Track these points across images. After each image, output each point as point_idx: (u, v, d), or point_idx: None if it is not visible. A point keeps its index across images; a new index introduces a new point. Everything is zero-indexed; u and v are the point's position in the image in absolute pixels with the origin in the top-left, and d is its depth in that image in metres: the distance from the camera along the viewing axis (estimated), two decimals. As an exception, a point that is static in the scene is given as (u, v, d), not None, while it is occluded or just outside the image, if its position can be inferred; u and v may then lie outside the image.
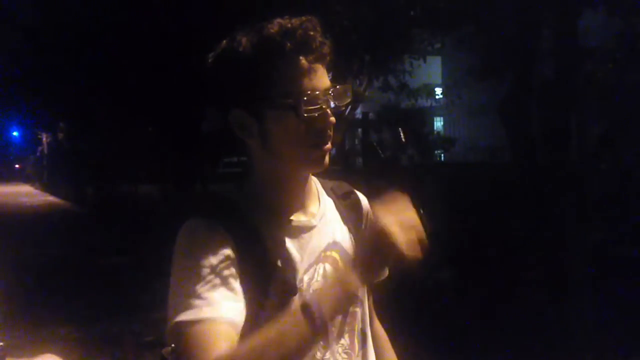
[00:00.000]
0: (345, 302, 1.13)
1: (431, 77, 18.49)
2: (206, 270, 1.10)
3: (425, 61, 9.19)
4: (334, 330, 1.25)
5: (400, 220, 1.07)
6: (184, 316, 1.06)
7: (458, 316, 5.32)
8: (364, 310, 1.35)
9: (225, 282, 1.10)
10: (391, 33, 7.06)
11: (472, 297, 5.80)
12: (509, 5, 5.94)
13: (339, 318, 1.26)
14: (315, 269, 1.23)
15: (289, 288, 1.17)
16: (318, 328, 1.04)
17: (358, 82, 8.52)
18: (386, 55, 7.80)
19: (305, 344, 1.07)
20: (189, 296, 1.08)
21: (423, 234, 1.09)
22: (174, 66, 8.30)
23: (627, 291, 5.19)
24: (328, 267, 1.26)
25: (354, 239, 1.35)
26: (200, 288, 1.08)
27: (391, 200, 1.12)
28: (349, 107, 9.15)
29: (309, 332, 1.04)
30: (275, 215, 1.23)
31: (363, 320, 1.34)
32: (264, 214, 1.23)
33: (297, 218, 1.26)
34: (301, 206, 1.29)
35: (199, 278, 1.09)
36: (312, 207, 1.30)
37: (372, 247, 1.09)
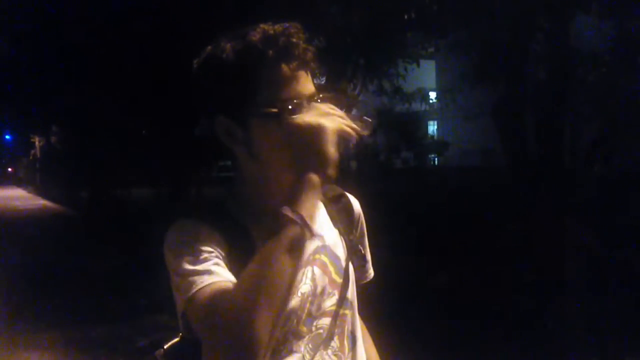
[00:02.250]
0: (311, 194, 1.11)
1: (425, 81, 18.54)
2: (200, 253, 1.12)
3: (418, 65, 9.20)
4: (321, 333, 1.25)
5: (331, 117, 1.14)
6: (190, 292, 1.08)
7: (449, 318, 5.32)
8: (353, 313, 1.36)
9: (218, 261, 1.12)
10: (385, 37, 7.08)
11: (464, 298, 5.81)
12: (502, 9, 5.96)
13: (330, 320, 1.26)
14: (304, 272, 1.23)
15: None
16: (300, 223, 1.06)
17: (352, 85, 8.53)
18: (380, 59, 7.82)
19: (295, 248, 1.07)
20: (188, 276, 1.10)
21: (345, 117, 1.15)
22: (168, 69, 8.29)
23: (620, 293, 5.22)
24: (317, 270, 1.26)
25: (345, 242, 1.36)
26: (196, 266, 1.10)
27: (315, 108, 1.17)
28: (342, 111, 9.16)
29: (296, 234, 1.06)
30: (264, 219, 1.23)
31: (353, 323, 1.35)
32: (253, 217, 1.23)
33: None
34: None
35: (193, 260, 1.11)
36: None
37: (307, 138, 1.12)
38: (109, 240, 11.90)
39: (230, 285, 1.08)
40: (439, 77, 21.59)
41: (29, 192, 36.97)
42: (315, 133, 1.11)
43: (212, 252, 1.13)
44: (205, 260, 1.12)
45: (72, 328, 6.04)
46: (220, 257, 1.14)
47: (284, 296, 1.06)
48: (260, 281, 1.02)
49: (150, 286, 6.39)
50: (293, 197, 1.10)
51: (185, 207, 1.25)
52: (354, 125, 1.15)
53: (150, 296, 6.37)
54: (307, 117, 1.13)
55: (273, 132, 1.16)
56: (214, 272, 1.10)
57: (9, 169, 62.02)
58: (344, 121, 1.14)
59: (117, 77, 10.27)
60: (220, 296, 1.06)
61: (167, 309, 5.26)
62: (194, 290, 1.08)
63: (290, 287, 1.07)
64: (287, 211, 1.07)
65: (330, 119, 1.13)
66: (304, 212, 1.07)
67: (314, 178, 1.11)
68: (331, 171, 1.13)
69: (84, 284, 8.09)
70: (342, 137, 1.13)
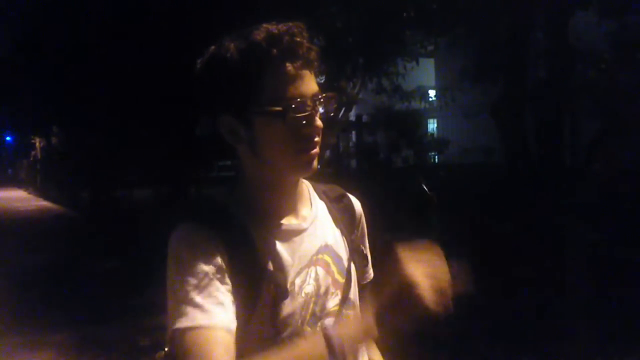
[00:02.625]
0: (362, 341, 1.15)
1: (425, 79, 18.57)
2: (199, 277, 1.10)
3: (417, 63, 9.19)
4: None
5: (429, 271, 1.07)
6: (179, 324, 1.06)
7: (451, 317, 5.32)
8: (356, 313, 1.34)
9: (217, 289, 1.10)
10: (384, 36, 7.07)
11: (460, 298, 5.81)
12: (501, 7, 5.96)
13: (333, 321, 1.26)
14: (307, 272, 1.23)
15: (281, 291, 1.17)
16: (335, 355, 1.05)
17: (352, 84, 8.53)
18: (380, 57, 7.81)
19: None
20: (183, 303, 1.08)
21: (451, 288, 1.08)
22: (169, 70, 8.29)
23: (621, 291, 5.22)
24: (320, 270, 1.25)
25: (347, 242, 1.36)
26: (194, 295, 1.08)
27: (421, 249, 1.11)
28: (343, 109, 9.19)
29: (324, 357, 1.05)
30: (266, 219, 1.23)
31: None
32: (255, 217, 1.22)
33: (288, 221, 1.26)
34: (292, 210, 1.29)
35: (192, 285, 1.09)
36: (304, 210, 1.31)
37: (396, 296, 1.08)
38: (109, 240, 11.91)
39: (220, 335, 1.06)
40: (438, 75, 21.60)
41: (30, 193, 36.91)
42: (407, 289, 1.06)
43: (214, 268, 1.11)
44: (205, 284, 1.10)
45: (72, 328, 6.05)
46: (223, 270, 1.12)
47: None
48: None
49: (150, 286, 6.40)
50: (348, 330, 1.11)
51: (187, 209, 1.24)
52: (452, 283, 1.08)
53: (151, 296, 6.37)
54: (405, 263, 1.08)
55: (277, 131, 1.16)
56: (209, 309, 1.08)
57: (10, 171, 61.98)
58: (444, 277, 1.08)
59: (117, 78, 10.28)
60: (203, 351, 1.04)
61: (167, 310, 5.22)
62: (180, 326, 1.06)
63: None
64: (336, 337, 1.06)
65: (430, 279, 1.07)
66: (345, 343, 1.07)
67: (375, 331, 1.10)
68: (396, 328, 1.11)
69: (84, 284, 8.09)
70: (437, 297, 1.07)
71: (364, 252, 1.45)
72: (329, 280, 1.27)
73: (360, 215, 1.44)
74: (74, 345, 5.60)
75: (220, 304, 1.09)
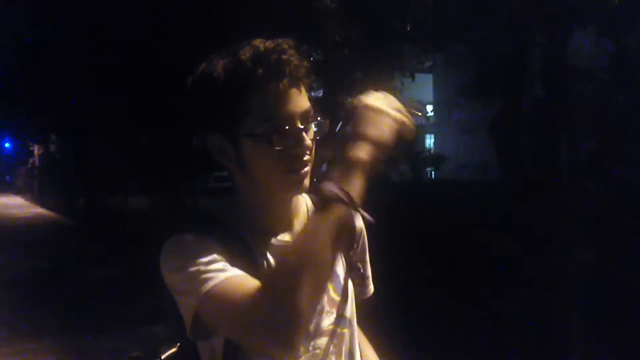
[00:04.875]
0: (361, 175, 1.09)
1: (422, 95, 18.62)
2: (203, 256, 1.10)
3: (413, 79, 9.21)
4: (318, 353, 1.24)
5: (384, 102, 1.16)
6: (205, 288, 1.06)
7: (444, 334, 5.31)
8: (352, 332, 1.34)
9: (224, 263, 1.11)
10: (382, 51, 7.10)
11: (459, 316, 5.80)
12: (499, 24, 5.98)
13: (327, 340, 1.26)
14: None
15: None
16: (348, 205, 1.04)
17: (350, 99, 8.55)
18: (377, 72, 7.84)
19: (342, 230, 1.05)
20: (198, 276, 1.08)
21: (403, 109, 1.16)
22: (166, 80, 8.29)
23: (615, 311, 5.22)
24: None
25: (345, 259, 1.35)
26: (208, 266, 1.08)
27: (369, 94, 1.19)
28: (340, 123, 9.18)
29: (340, 214, 1.04)
30: (261, 235, 1.23)
31: (351, 342, 1.33)
32: (250, 232, 1.22)
33: (283, 238, 1.25)
34: (287, 226, 1.28)
35: (199, 263, 1.09)
36: (299, 226, 1.29)
37: (366, 122, 1.13)
38: (105, 249, 11.89)
39: (246, 278, 1.06)
40: (436, 91, 21.63)
41: (27, 200, 36.82)
42: (377, 113, 1.13)
43: (217, 257, 1.11)
44: (215, 261, 1.10)
45: (67, 337, 6.04)
46: (224, 260, 1.12)
47: (327, 276, 1.05)
48: (306, 257, 1.01)
49: (146, 296, 6.38)
50: (342, 174, 1.08)
51: (184, 220, 1.23)
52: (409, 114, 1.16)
53: (146, 306, 6.36)
54: (369, 100, 1.16)
55: (265, 152, 1.14)
56: (226, 269, 1.08)
57: (7, 177, 61.79)
58: (402, 110, 1.16)
59: (115, 87, 10.28)
60: (249, 282, 1.04)
61: (164, 319, 5.24)
62: (210, 284, 1.06)
63: (332, 268, 1.06)
64: (334, 187, 1.05)
65: (390, 107, 1.15)
66: (352, 191, 1.05)
67: (364, 157, 1.09)
68: (383, 154, 1.12)
69: (79, 292, 8.07)
70: (400, 126, 1.15)
71: (362, 268, 1.45)
72: (324, 298, 1.25)
73: (361, 230, 1.43)
74: (69, 354, 5.59)
75: (230, 266, 1.10)
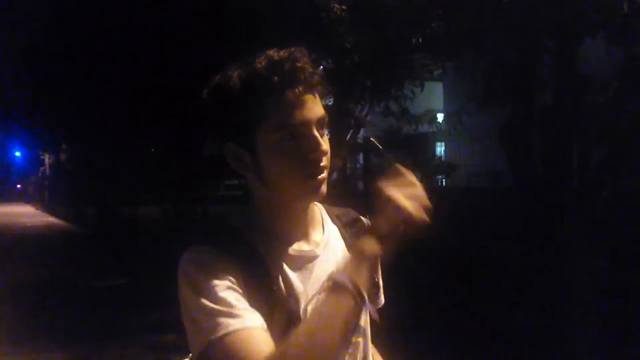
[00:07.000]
0: (369, 266, 1.11)
1: (433, 103, 18.57)
2: (219, 290, 1.10)
3: (422, 89, 9.20)
4: None
5: (405, 191, 1.12)
6: (214, 334, 1.06)
7: (453, 339, 5.29)
8: (366, 340, 1.34)
9: (238, 299, 1.10)
10: (392, 60, 7.10)
11: (470, 320, 5.78)
12: (510, 33, 5.99)
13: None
14: (319, 298, 1.22)
15: (293, 317, 1.17)
16: (356, 298, 1.05)
17: (360, 107, 8.55)
18: (387, 81, 7.84)
19: (350, 320, 1.07)
20: (210, 316, 1.08)
21: (427, 202, 1.13)
22: (177, 90, 8.35)
23: (625, 316, 5.19)
24: None
25: None
26: (220, 307, 1.08)
27: (394, 174, 1.15)
28: (351, 131, 9.20)
29: (349, 306, 1.05)
30: (278, 244, 1.23)
31: (365, 350, 1.34)
32: (267, 242, 1.22)
33: (300, 247, 1.26)
34: (304, 235, 1.28)
35: (214, 299, 1.09)
36: (316, 235, 1.30)
37: (380, 214, 1.12)
38: (115, 257, 11.92)
39: (260, 334, 1.07)
40: (446, 99, 21.59)
41: (37, 208, 37.04)
42: (393, 207, 1.10)
43: (233, 286, 1.12)
44: (228, 294, 1.10)
45: (77, 346, 6.05)
46: (241, 290, 1.12)
47: (334, 356, 1.06)
48: (313, 340, 1.03)
49: (157, 304, 6.40)
50: (351, 264, 1.10)
51: (199, 231, 1.24)
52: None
53: (157, 314, 6.37)
54: (391, 186, 1.13)
55: (282, 159, 1.16)
56: (241, 315, 1.08)
57: (18, 186, 62.16)
58: (422, 203, 1.13)
59: (126, 97, 10.35)
60: (259, 344, 1.05)
61: (174, 328, 5.26)
62: (221, 333, 1.06)
63: (339, 350, 1.08)
64: (345, 279, 1.07)
65: (411, 197, 1.12)
66: (361, 284, 1.07)
67: (375, 248, 1.11)
68: (396, 244, 1.13)
69: (90, 301, 8.10)
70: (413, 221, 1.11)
71: (376, 278, 1.45)
72: None
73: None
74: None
75: (247, 308, 1.10)
